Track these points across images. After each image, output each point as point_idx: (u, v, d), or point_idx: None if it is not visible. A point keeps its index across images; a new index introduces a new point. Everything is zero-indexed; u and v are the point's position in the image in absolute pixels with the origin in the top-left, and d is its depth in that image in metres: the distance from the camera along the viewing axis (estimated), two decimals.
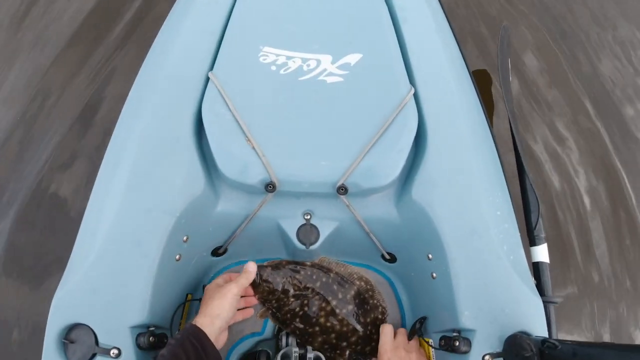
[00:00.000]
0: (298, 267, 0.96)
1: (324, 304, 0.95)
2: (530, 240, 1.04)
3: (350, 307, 0.96)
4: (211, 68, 0.91)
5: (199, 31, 0.96)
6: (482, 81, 1.64)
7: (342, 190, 0.84)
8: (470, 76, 1.03)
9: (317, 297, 0.95)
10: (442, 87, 0.93)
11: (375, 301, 0.99)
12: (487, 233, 0.84)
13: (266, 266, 0.94)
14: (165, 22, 1.03)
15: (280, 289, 0.92)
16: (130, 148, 0.85)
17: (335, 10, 0.99)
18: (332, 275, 0.97)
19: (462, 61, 1.04)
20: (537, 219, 1.04)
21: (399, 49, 0.94)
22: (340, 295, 0.96)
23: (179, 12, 1.03)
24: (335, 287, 0.96)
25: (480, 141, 0.93)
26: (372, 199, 0.91)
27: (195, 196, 0.85)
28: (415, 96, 0.91)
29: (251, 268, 0.88)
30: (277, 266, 0.95)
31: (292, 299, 0.94)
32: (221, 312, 0.80)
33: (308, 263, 0.98)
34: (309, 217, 0.91)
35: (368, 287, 0.99)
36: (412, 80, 0.93)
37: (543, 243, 1.04)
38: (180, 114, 0.88)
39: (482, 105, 1.01)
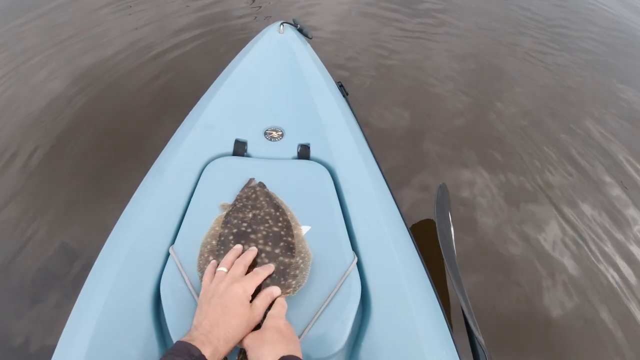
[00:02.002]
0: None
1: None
2: None
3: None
4: (173, 242, 1.00)
5: (164, 205, 1.07)
6: (429, 229, 1.79)
7: None
8: (410, 235, 1.14)
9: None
10: (382, 252, 1.02)
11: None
12: None
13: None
14: (133, 196, 1.14)
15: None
16: (90, 319, 0.88)
17: (288, 185, 1.12)
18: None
19: (401, 221, 1.16)
20: None
21: (343, 219, 1.06)
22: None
23: (147, 186, 1.15)
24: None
25: (421, 302, 0.99)
26: None
27: None
28: (359, 264, 0.99)
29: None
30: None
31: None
32: (236, 336, 0.69)
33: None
34: None
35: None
36: (355, 247, 1.03)
37: None
38: (140, 287, 0.93)
39: (422, 262, 1.11)
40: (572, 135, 2.47)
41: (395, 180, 1.95)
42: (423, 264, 1.09)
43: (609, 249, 1.92)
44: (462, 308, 1.14)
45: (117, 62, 2.57)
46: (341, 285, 0.93)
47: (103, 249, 1.05)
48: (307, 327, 0.88)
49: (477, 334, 1.12)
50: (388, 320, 0.93)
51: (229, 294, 0.75)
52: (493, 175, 2.14)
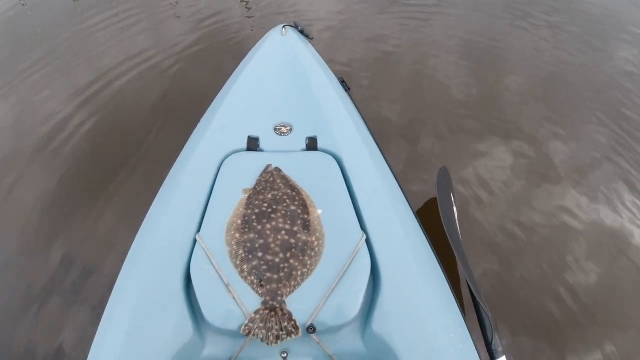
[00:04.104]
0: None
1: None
2: (490, 355, 1.15)
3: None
4: (198, 230, 1.11)
5: (188, 199, 1.18)
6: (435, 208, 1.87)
7: (311, 329, 0.97)
8: (414, 213, 1.24)
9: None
10: (388, 229, 1.13)
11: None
12: (441, 355, 0.95)
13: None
14: (158, 193, 1.26)
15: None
16: (129, 301, 1.00)
17: (300, 175, 1.23)
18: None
19: (405, 203, 1.26)
20: (492, 335, 1.16)
21: (351, 202, 1.16)
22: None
23: (170, 182, 1.27)
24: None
25: (427, 272, 1.09)
26: (340, 334, 1.03)
27: (183, 344, 0.96)
28: (367, 240, 1.10)
29: None
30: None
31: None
32: None
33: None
34: (285, 355, 1.02)
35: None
36: (364, 227, 1.13)
37: (501, 356, 1.15)
38: (172, 271, 1.04)
39: (427, 238, 1.21)
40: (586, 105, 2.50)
41: (399, 166, 2.05)
42: (428, 240, 1.19)
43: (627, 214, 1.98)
44: (466, 279, 1.23)
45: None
46: (352, 260, 1.04)
47: (135, 240, 1.17)
48: (322, 299, 0.99)
49: (482, 302, 1.21)
50: (397, 291, 1.03)
51: None
52: (503, 153, 2.20)
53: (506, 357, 1.16)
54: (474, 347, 1.02)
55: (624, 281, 1.77)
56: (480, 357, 1.01)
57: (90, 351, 0.96)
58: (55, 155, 2.20)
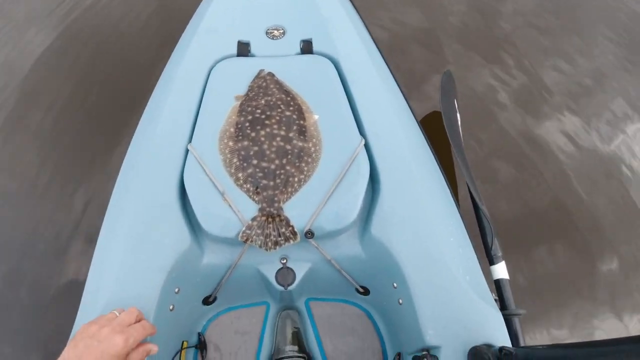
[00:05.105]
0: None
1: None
2: (489, 260, 1.16)
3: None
4: (190, 140, 1.06)
5: (178, 109, 1.12)
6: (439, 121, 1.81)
7: (309, 234, 0.96)
8: (416, 120, 1.18)
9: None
10: (389, 134, 1.07)
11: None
12: (442, 258, 0.94)
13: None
14: (147, 104, 1.19)
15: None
16: (125, 216, 0.98)
17: (295, 80, 1.15)
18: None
19: (407, 109, 1.19)
20: (492, 240, 1.16)
21: (349, 107, 1.09)
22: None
23: (160, 93, 1.20)
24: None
25: (428, 177, 1.06)
26: (339, 239, 1.02)
27: (182, 252, 0.96)
28: (367, 146, 1.05)
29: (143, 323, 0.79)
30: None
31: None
32: None
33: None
34: (285, 261, 1.03)
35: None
36: (363, 132, 1.07)
37: (501, 261, 1.15)
38: (166, 183, 1.01)
39: (429, 145, 1.15)
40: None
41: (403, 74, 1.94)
42: (430, 146, 1.14)
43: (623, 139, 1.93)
44: (467, 185, 1.20)
45: None
46: (350, 164, 0.99)
47: (127, 154, 1.13)
48: (320, 204, 0.96)
49: (483, 208, 1.19)
50: (397, 195, 1.00)
51: (108, 342, 0.70)
52: (504, 70, 2.09)
53: (505, 263, 1.17)
54: (473, 252, 1.01)
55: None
56: (480, 262, 1.00)
57: (91, 268, 0.95)
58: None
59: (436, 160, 1.13)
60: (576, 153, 1.88)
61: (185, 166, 1.02)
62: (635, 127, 1.99)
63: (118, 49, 2.24)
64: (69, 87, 2.07)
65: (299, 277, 1.03)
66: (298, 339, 1.09)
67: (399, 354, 1.01)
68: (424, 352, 0.89)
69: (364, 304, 1.14)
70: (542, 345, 0.74)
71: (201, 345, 1.07)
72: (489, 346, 0.85)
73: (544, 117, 1.98)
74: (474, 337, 0.87)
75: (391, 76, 1.25)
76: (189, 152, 1.03)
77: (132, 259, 0.93)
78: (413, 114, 1.20)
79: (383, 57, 1.32)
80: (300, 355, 1.03)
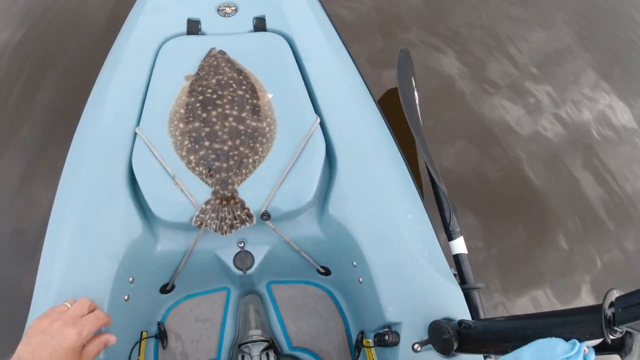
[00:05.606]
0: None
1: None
2: (448, 235, 1.17)
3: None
4: (138, 123, 1.01)
5: (125, 90, 1.06)
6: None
7: (266, 216, 0.94)
8: (373, 98, 1.16)
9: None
10: (345, 112, 1.05)
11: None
12: (399, 236, 0.94)
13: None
14: (93, 87, 1.13)
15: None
16: (72, 204, 0.93)
17: (247, 58, 1.11)
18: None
19: (364, 87, 1.18)
20: (450, 216, 1.17)
21: (304, 85, 1.07)
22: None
23: (106, 75, 1.13)
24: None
25: (384, 156, 1.05)
26: (297, 220, 1.01)
27: (134, 240, 0.92)
28: (322, 124, 1.03)
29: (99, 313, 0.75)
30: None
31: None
32: None
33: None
34: (242, 244, 1.00)
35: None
36: (318, 110, 1.05)
37: (459, 237, 1.17)
38: (113, 168, 0.96)
39: (386, 123, 1.15)
40: None
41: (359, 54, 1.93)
42: (387, 124, 1.13)
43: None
44: (425, 163, 1.21)
45: None
46: (306, 143, 0.98)
47: (73, 139, 1.06)
48: (276, 185, 0.94)
49: (440, 185, 1.20)
50: (353, 173, 0.99)
51: (61, 336, 0.67)
52: (461, 51, 2.12)
53: (464, 238, 1.19)
54: (432, 228, 1.02)
55: None
56: (438, 238, 1.01)
57: (41, 260, 0.90)
58: None
59: (394, 138, 1.12)
60: (533, 133, 1.93)
61: (134, 150, 0.97)
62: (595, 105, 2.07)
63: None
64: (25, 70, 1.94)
65: (257, 260, 1.01)
66: (261, 323, 1.08)
67: (362, 332, 1.01)
68: (386, 329, 0.90)
69: (326, 284, 1.14)
70: (501, 317, 0.75)
71: (161, 335, 1.05)
72: (448, 320, 0.86)
73: (502, 97, 2.02)
74: (434, 312, 0.88)
75: (347, 54, 1.23)
76: (137, 136, 0.98)
77: (81, 248, 0.88)
78: (370, 92, 1.18)
79: (339, 35, 1.30)
80: (264, 339, 1.02)
